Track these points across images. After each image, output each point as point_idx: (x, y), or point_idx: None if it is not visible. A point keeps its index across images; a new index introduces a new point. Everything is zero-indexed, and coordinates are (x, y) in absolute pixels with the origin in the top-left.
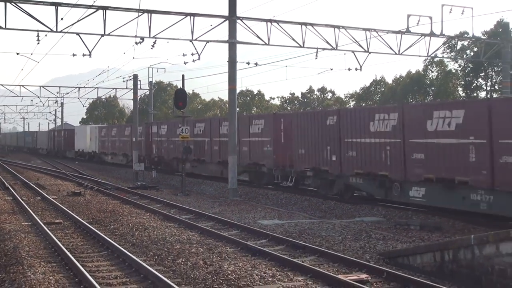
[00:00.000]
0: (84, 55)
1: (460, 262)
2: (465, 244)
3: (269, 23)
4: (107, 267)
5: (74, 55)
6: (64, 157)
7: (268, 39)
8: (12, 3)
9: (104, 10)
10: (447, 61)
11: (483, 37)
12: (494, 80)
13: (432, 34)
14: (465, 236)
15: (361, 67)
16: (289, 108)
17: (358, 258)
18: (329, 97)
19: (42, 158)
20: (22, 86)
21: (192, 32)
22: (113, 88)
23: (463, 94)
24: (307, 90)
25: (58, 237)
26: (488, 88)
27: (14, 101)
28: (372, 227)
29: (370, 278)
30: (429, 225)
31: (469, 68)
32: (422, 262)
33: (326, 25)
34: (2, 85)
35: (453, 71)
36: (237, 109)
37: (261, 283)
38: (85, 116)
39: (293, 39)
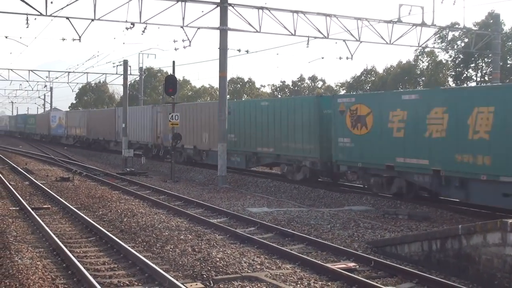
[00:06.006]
0: (74, 39)
1: (447, 252)
2: (452, 234)
3: (260, 10)
4: (95, 253)
5: (63, 39)
6: None
7: (260, 27)
8: None
9: None
10: (438, 52)
11: (474, 28)
12: (484, 71)
13: (423, 24)
14: (452, 226)
15: (352, 56)
16: (279, 95)
17: (346, 247)
18: (319, 85)
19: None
20: (11, 70)
21: (183, 18)
22: (103, 74)
23: (453, 85)
24: (297, 78)
25: (46, 222)
26: (478, 79)
27: (3, 85)
28: (360, 216)
29: (358, 266)
30: (417, 215)
31: (459, 59)
32: (409, 251)
33: (318, 13)
34: None
35: (444, 61)
36: (228, 96)
37: (249, 271)
38: (74, 101)
39: (285, 27)
